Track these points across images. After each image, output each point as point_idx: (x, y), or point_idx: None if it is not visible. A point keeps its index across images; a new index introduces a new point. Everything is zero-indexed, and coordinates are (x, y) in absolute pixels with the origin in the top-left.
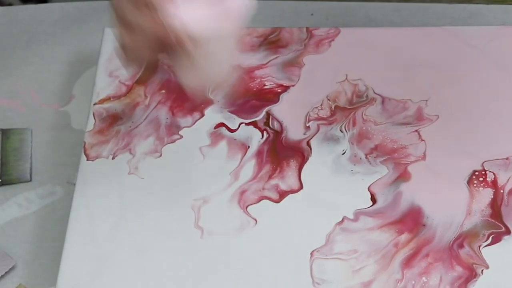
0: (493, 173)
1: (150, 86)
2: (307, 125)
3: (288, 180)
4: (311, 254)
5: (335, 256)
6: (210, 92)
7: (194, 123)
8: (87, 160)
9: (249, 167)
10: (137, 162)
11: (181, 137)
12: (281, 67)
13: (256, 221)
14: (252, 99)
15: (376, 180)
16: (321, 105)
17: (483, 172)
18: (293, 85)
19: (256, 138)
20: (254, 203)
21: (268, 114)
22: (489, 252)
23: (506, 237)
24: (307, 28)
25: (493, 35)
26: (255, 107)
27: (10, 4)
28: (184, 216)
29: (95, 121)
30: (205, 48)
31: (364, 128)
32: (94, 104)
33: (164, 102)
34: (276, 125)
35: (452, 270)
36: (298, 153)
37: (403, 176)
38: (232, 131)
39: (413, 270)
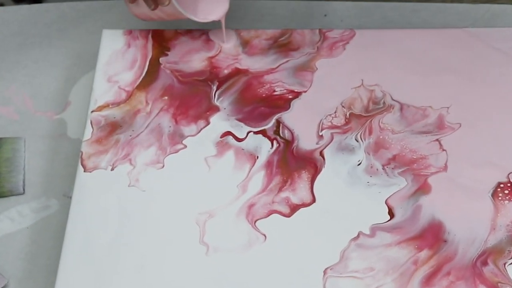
0: None
1: (151, 92)
2: (320, 133)
3: (299, 192)
4: (325, 272)
5: (350, 274)
6: (216, 99)
7: (199, 131)
8: (84, 171)
9: (258, 179)
10: (138, 173)
11: (185, 146)
12: (292, 72)
13: (265, 236)
14: (261, 106)
15: (394, 193)
16: (335, 112)
17: (509, 184)
18: (305, 91)
19: (265, 148)
20: (263, 218)
21: (278, 122)
22: None
23: None
24: (320, 30)
25: None
26: (264, 114)
27: (1, 4)
28: (188, 231)
29: (93, 130)
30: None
31: (381, 137)
32: (92, 112)
33: (167, 109)
34: (286, 134)
35: None
36: (311, 164)
37: (422, 189)
38: (239, 140)
39: None
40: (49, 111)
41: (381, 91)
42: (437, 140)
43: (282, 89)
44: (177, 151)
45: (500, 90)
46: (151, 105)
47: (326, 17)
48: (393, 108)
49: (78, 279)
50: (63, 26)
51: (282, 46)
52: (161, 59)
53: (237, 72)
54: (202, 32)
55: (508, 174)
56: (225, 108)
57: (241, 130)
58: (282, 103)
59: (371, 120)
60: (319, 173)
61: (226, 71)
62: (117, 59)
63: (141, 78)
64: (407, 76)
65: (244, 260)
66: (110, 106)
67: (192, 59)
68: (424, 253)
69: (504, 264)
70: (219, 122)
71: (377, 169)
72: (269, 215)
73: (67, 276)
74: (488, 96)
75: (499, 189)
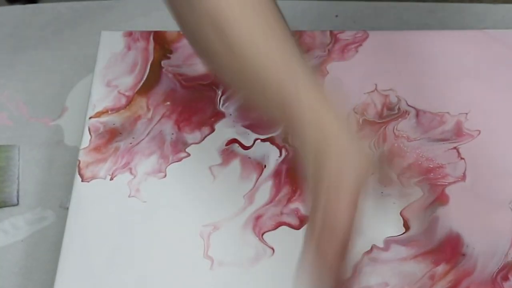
0: None
1: (153, 97)
2: None
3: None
4: None
5: None
6: (221, 105)
7: (203, 139)
8: (82, 181)
9: (266, 189)
10: (139, 183)
11: (189, 155)
12: None
13: (273, 250)
14: None
15: (410, 204)
16: (347, 118)
17: None
18: None
19: (273, 156)
20: (271, 230)
21: None
22: None
23: None
24: (331, 32)
25: None
26: None
27: None
28: (192, 245)
29: (91, 137)
30: None
31: (396, 145)
32: (90, 118)
33: (169, 116)
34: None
35: None
36: None
37: (440, 199)
38: (246, 148)
39: None
40: (44, 117)
41: (396, 96)
42: (455, 148)
43: None
44: (180, 160)
45: None
46: (152, 111)
47: (337, 17)
48: (408, 114)
49: None
50: (59, 27)
51: None
52: (163, 62)
53: None
54: None
55: None
56: (230, 114)
57: (247, 137)
58: None
59: (385, 127)
60: None
61: None
62: (117, 62)
63: (142, 83)
64: (423, 81)
65: (251, 275)
66: (109, 112)
67: (196, 62)
68: (441, 268)
69: None
70: (225, 129)
71: (391, 179)
72: (277, 227)
73: None
74: (509, 101)
75: None
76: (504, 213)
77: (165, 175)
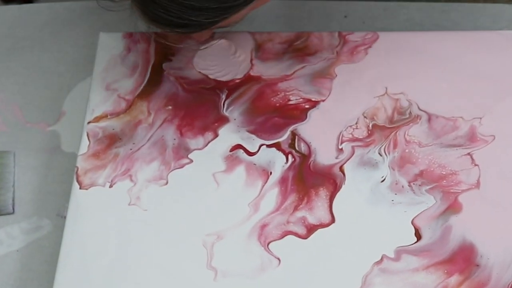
0: None
1: (154, 101)
2: (340, 147)
3: (317, 212)
4: None
5: None
6: (225, 109)
7: (206, 144)
8: (80, 188)
9: (271, 196)
10: (139, 191)
11: (191, 161)
12: (309, 79)
13: (279, 260)
14: (275, 117)
15: (421, 212)
16: (356, 123)
17: None
18: (323, 100)
19: (279, 163)
20: (277, 239)
21: (294, 134)
22: None
23: None
24: (339, 33)
25: None
26: (278, 126)
27: None
28: (195, 255)
29: (90, 143)
30: None
31: (407, 150)
32: (88, 123)
33: (171, 120)
34: (303, 147)
35: None
36: (329, 180)
37: (453, 208)
38: (251, 154)
39: None
40: (41, 122)
41: (407, 100)
42: (468, 154)
43: (298, 97)
44: (182, 166)
45: None
46: (153, 115)
47: (346, 18)
48: (420, 119)
49: None
50: (57, 28)
51: (298, 50)
52: (165, 65)
53: (249, 79)
54: None
55: None
56: (235, 119)
57: (252, 143)
58: (298, 113)
59: (396, 132)
60: (338, 190)
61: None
62: (116, 65)
63: (142, 86)
64: (435, 84)
65: (256, 286)
66: (109, 117)
67: None
68: (454, 279)
69: None
70: (229, 134)
71: (402, 186)
72: (283, 237)
73: None
74: None
75: None
76: None
77: (167, 183)
